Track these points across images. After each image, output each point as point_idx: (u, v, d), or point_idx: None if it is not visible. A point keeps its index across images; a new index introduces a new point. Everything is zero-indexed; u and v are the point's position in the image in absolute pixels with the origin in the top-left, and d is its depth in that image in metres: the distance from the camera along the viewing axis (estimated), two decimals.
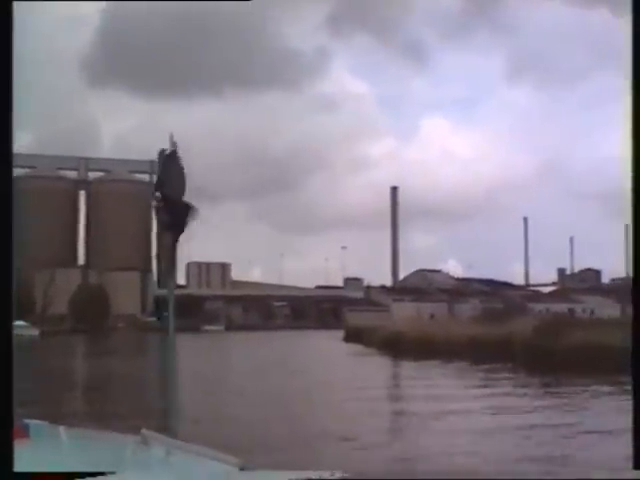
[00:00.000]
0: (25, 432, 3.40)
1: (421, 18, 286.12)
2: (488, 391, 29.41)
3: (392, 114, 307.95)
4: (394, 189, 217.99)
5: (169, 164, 6.11)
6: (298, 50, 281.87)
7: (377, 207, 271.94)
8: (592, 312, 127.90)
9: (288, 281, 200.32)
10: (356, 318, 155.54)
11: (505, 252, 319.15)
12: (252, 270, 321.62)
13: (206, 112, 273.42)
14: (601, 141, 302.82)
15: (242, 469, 2.98)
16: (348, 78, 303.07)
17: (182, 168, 6.15)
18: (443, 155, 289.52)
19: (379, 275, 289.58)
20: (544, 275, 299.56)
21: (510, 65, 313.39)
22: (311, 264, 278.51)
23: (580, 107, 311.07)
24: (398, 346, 53.88)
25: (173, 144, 6.11)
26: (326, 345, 74.58)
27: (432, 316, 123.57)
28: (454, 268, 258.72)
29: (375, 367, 44.33)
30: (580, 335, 37.72)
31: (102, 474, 2.49)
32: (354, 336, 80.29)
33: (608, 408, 23.43)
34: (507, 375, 35.54)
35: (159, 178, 6.19)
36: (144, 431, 3.70)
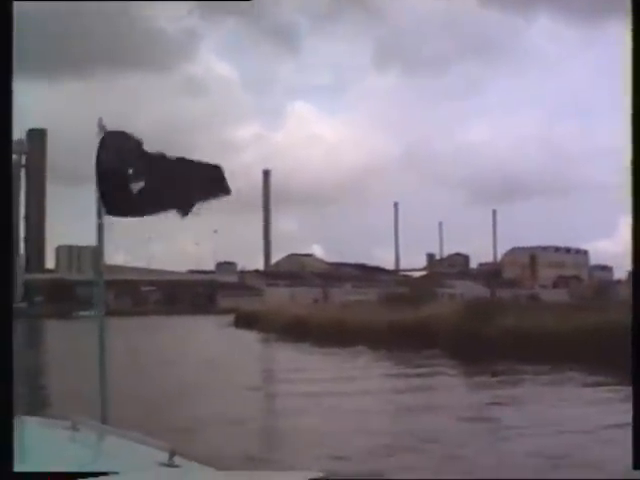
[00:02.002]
0: None
1: (290, 2, 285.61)
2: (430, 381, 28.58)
3: (259, 98, 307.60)
4: (266, 173, 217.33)
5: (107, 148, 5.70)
6: (165, 31, 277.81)
7: (245, 191, 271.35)
8: (462, 296, 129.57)
9: (157, 266, 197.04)
10: (230, 302, 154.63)
11: (373, 237, 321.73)
12: (119, 254, 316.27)
13: (68, 93, 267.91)
14: (466, 129, 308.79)
15: (172, 454, 2.94)
16: (215, 61, 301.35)
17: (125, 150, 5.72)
18: (310, 140, 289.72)
19: (250, 259, 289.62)
20: (414, 260, 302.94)
21: (377, 52, 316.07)
22: (180, 248, 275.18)
23: (445, 95, 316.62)
24: (304, 332, 52.16)
25: (102, 128, 5.76)
26: (220, 332, 72.54)
27: (316, 300, 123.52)
28: (325, 253, 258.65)
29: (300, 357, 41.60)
30: (510, 320, 37.32)
31: (105, 474, 2.39)
32: (246, 322, 78.74)
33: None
34: (440, 361, 34.73)
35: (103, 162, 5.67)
36: (74, 417, 3.65)
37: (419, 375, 30.31)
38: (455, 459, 14.29)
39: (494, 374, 29.26)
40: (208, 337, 64.58)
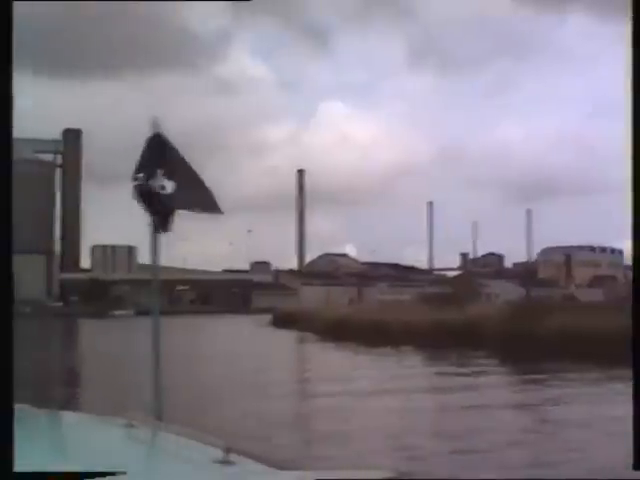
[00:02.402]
0: None
1: (323, 1, 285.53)
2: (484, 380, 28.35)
3: (292, 98, 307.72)
4: (300, 172, 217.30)
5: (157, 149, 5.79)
6: (198, 32, 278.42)
7: (278, 191, 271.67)
8: (497, 296, 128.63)
9: (191, 266, 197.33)
10: (265, 302, 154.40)
11: (406, 237, 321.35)
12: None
13: (103, 94, 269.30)
14: (499, 128, 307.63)
15: (227, 451, 2.92)
16: (248, 61, 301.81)
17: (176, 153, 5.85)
18: (343, 140, 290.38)
19: (284, 259, 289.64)
20: (447, 260, 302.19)
21: (410, 51, 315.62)
22: (214, 248, 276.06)
23: (479, 94, 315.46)
24: (347, 333, 51.89)
25: (156, 126, 5.84)
26: (261, 332, 72.19)
27: (351, 300, 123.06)
28: (357, 252, 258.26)
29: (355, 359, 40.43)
30: (558, 320, 36.98)
31: (112, 474, 2.36)
32: (284, 321, 78.47)
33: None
34: (490, 361, 34.43)
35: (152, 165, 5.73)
36: (130, 414, 3.67)
37: (468, 375, 30.09)
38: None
39: (545, 373, 28.95)
40: (251, 337, 63.98)
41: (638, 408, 2.78)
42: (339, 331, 53.64)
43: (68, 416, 4.44)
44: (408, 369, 32.61)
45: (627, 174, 2.47)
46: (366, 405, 22.23)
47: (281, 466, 3.02)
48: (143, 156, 5.85)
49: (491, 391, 25.42)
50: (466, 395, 24.36)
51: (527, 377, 29.15)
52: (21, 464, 2.42)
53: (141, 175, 5.71)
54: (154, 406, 5.29)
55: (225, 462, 2.90)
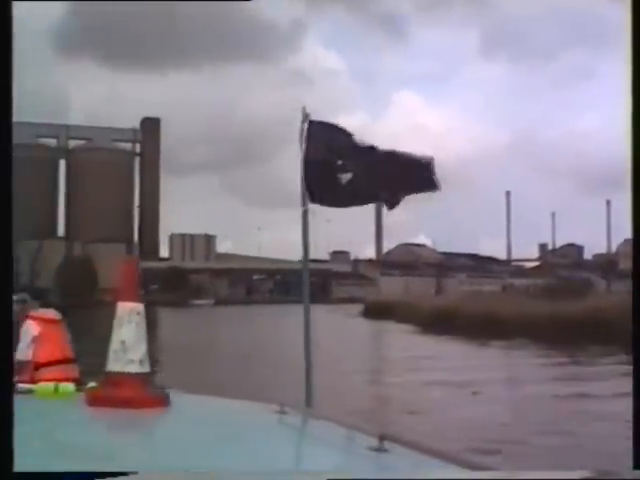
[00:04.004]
0: (165, 401, 3.52)
1: None
2: None
3: (365, 87, 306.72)
4: None
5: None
6: (272, 22, 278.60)
7: None
8: None
9: (266, 255, 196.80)
10: (344, 292, 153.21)
11: (481, 227, 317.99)
12: (227, 243, 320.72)
13: (179, 84, 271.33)
14: (576, 117, 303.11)
15: (382, 438, 2.88)
16: (322, 51, 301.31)
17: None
18: (416, 130, 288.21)
19: (360, 249, 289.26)
20: (525, 250, 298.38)
21: (484, 40, 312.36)
22: (288, 237, 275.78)
23: (554, 83, 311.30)
24: (452, 324, 49.98)
25: (306, 117, 5.92)
26: (358, 323, 70.07)
27: (437, 291, 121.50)
28: (432, 243, 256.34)
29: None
30: None
31: (124, 474, 2.29)
32: (376, 312, 76.57)
33: None
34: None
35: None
36: (281, 401, 3.68)
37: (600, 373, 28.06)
38: None
39: None
40: (355, 329, 61.78)
41: (638, 408, 2.82)
42: (445, 322, 51.63)
43: (220, 402, 4.38)
44: (543, 364, 30.76)
45: None
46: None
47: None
48: (312, 148, 5.83)
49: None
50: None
51: None
52: (178, 450, 2.73)
53: (315, 168, 5.79)
54: (305, 392, 5.53)
55: (380, 450, 2.84)
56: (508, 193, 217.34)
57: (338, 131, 5.87)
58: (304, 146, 5.83)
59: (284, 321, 65.68)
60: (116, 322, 3.75)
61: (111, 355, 3.69)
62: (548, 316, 43.56)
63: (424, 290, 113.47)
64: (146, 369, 3.68)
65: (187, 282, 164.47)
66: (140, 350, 3.69)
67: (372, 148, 5.74)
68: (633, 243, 2.86)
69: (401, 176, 5.74)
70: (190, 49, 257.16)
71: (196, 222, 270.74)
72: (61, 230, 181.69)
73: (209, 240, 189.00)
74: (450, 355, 34.91)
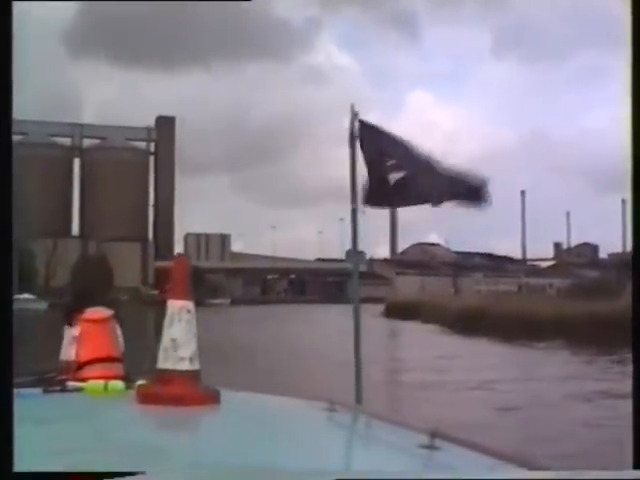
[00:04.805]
0: (216, 398, 3.54)
1: None
2: None
3: (378, 87, 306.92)
4: None
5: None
6: (285, 21, 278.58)
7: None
8: None
9: (281, 254, 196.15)
10: (361, 291, 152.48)
11: (495, 226, 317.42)
12: (242, 243, 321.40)
13: (192, 83, 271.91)
14: (586, 117, 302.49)
15: (433, 436, 2.81)
16: (335, 50, 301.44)
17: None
18: (429, 128, 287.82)
19: (375, 248, 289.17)
20: (539, 250, 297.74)
21: (496, 39, 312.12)
22: (302, 237, 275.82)
23: (566, 83, 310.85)
24: (481, 325, 49.00)
25: (355, 115, 6.05)
26: (382, 323, 68.56)
27: (456, 291, 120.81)
28: (445, 242, 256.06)
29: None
30: None
31: (132, 474, 2.23)
32: (398, 312, 75.65)
33: None
34: None
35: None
36: (331, 398, 3.67)
37: None
38: None
39: None
40: (381, 329, 60.29)
41: (638, 408, 2.85)
42: (474, 323, 50.67)
43: (269, 399, 4.28)
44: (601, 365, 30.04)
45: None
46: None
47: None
48: (363, 149, 5.94)
49: None
50: None
51: None
52: (229, 451, 2.69)
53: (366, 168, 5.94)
54: (355, 390, 5.69)
55: (431, 447, 2.80)
56: (523, 192, 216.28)
57: (386, 132, 5.93)
58: (356, 145, 5.91)
59: (311, 320, 64.76)
60: (167, 320, 3.69)
61: (161, 353, 3.65)
62: (586, 316, 42.70)
63: (443, 290, 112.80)
64: (196, 366, 3.63)
65: (203, 281, 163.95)
66: (190, 348, 3.64)
67: (422, 151, 5.85)
68: (633, 244, 2.79)
69: (451, 184, 5.77)
70: (204, 47, 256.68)
71: (210, 221, 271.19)
72: (75, 229, 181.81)
73: (224, 239, 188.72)
74: (510, 361, 34.05)
